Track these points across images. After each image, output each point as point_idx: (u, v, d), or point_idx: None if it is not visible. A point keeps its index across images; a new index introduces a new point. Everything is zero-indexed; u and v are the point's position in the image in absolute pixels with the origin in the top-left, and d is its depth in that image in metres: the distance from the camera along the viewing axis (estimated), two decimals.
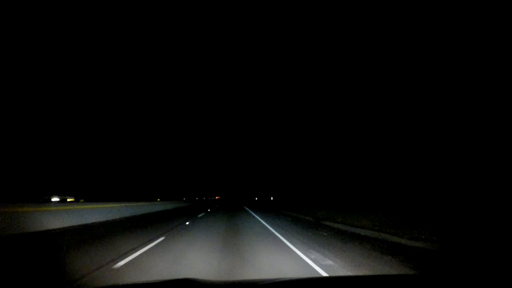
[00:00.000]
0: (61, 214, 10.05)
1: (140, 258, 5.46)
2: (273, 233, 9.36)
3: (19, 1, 35.18)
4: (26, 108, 33.29)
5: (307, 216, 15.99)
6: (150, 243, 7.09)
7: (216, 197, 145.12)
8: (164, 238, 7.92)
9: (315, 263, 5.15)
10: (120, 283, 3.18)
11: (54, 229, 8.95)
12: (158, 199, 33.60)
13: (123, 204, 15.58)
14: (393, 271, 4.70)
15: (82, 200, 18.09)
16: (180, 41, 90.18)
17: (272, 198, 32.32)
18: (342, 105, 31.93)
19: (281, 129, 53.48)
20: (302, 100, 45.30)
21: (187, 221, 13.00)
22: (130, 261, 5.20)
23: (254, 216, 17.20)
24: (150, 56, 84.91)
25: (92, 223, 11.29)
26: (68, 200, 18.44)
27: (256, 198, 73.87)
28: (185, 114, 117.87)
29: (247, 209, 28.09)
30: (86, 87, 43.13)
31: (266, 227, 11.08)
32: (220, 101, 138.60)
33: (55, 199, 19.08)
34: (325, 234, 9.18)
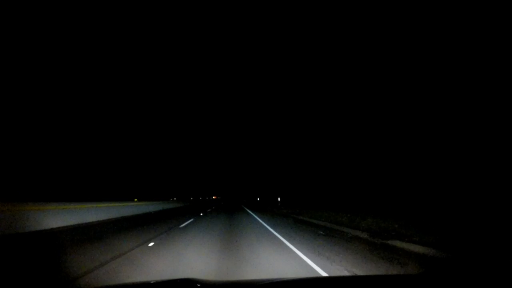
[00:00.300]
0: None
1: None
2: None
3: (19, 1, 34.46)
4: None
5: (345, 227, 10.57)
6: None
7: (213, 197, 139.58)
8: None
9: None
10: (120, 283, 2.92)
11: None
12: (136, 199, 27.83)
13: (61, 207, 10.19)
14: None
15: None
16: (180, 41, 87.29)
17: (279, 199, 25.90)
18: (352, 98, 28.82)
19: (289, 123, 47.94)
20: (310, 92, 40.69)
21: (152, 240, 7.54)
22: None
23: (264, 226, 11.81)
24: (145, 52, 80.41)
25: None
26: None
27: (258, 199, 67.25)
28: (179, 108, 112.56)
29: (251, 213, 22.47)
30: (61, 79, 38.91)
31: (297, 256, 5.70)
32: (217, 94, 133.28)
33: None
34: None
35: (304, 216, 16.32)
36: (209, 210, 26.40)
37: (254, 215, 19.42)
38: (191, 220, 14.22)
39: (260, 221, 14.27)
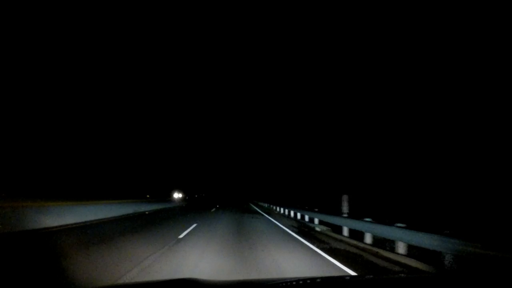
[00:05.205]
0: None
1: None
2: None
3: (19, 1, 35.79)
4: None
5: None
6: None
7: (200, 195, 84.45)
8: None
9: None
10: (120, 283, 2.94)
11: None
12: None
13: None
14: None
15: None
16: (180, 41, 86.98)
17: (346, 205, 12.20)
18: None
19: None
20: (323, 85, 35.61)
21: None
22: None
23: None
24: (145, 52, 78.95)
25: None
26: None
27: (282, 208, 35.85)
28: (174, 103, 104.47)
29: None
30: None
31: None
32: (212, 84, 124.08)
33: None
34: None
35: None
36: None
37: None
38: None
39: None
